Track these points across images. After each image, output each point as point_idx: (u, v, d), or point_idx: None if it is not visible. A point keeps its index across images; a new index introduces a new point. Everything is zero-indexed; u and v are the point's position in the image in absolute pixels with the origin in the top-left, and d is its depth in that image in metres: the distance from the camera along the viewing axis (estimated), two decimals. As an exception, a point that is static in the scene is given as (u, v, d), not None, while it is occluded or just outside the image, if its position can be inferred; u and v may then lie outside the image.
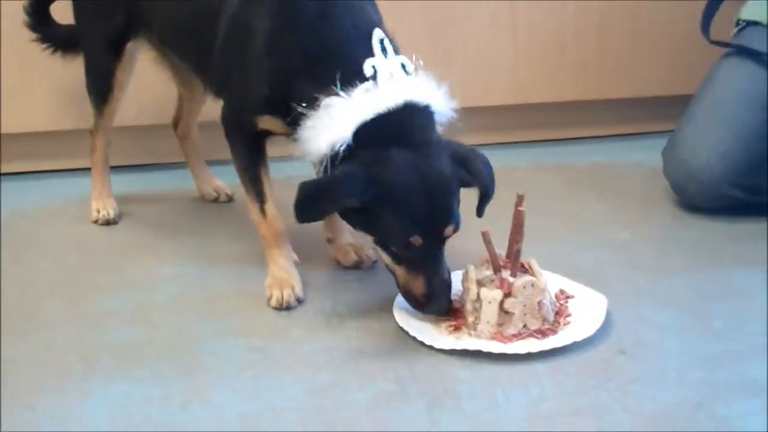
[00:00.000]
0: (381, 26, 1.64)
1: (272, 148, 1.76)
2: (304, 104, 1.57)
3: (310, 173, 1.74)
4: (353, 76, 1.56)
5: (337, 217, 1.75)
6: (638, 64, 2.76)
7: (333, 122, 1.54)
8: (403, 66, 1.61)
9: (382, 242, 1.60)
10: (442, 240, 1.58)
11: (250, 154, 1.74)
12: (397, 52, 1.63)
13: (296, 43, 1.61)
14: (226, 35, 1.71)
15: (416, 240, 1.54)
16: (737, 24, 2.30)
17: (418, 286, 1.57)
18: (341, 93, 1.55)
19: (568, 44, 2.72)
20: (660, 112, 2.76)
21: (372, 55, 1.58)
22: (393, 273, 1.62)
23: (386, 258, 1.61)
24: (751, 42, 2.21)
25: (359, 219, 1.59)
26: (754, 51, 2.18)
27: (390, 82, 1.57)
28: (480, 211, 1.63)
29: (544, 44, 2.70)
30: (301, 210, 1.54)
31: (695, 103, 2.22)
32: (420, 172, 1.53)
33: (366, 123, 1.54)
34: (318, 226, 1.83)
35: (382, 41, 1.60)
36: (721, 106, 2.16)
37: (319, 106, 1.56)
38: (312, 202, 1.55)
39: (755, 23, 2.25)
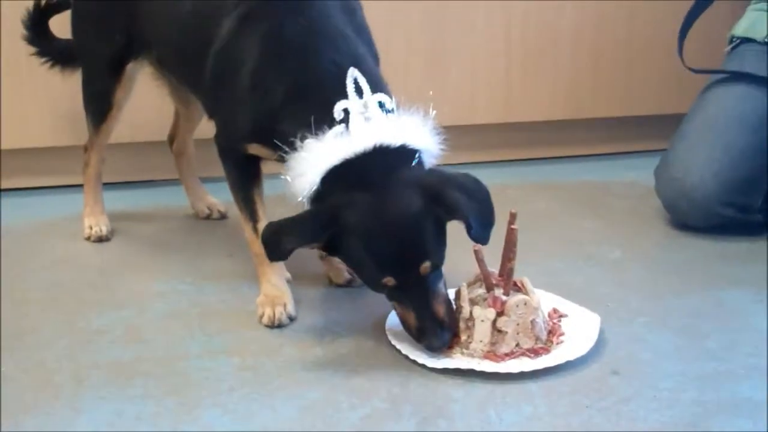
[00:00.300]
0: (365, 58, 1.63)
1: (267, 165, 1.76)
2: (284, 145, 1.58)
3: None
4: (325, 119, 1.56)
5: None
6: (631, 83, 2.78)
7: (305, 167, 1.55)
8: (381, 104, 1.59)
9: (361, 278, 1.61)
10: (424, 277, 1.54)
11: (243, 175, 1.74)
12: (377, 88, 1.60)
13: (277, 81, 1.61)
14: (214, 66, 1.72)
15: (389, 281, 1.53)
16: (731, 41, 2.32)
17: (411, 319, 1.56)
18: (314, 136, 1.55)
19: (562, 63, 2.73)
20: (652, 131, 2.78)
21: (345, 96, 1.57)
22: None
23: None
24: (743, 60, 2.22)
25: (338, 255, 1.61)
26: (741, 74, 2.18)
27: (361, 125, 1.56)
28: (476, 240, 1.55)
29: (537, 63, 2.71)
30: (267, 250, 1.56)
31: (687, 122, 2.23)
32: (383, 214, 1.52)
33: (334, 168, 1.54)
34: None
35: (356, 80, 1.58)
36: (714, 126, 2.17)
37: (296, 148, 1.57)
38: (273, 243, 1.55)
39: (749, 40, 2.26)
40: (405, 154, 1.58)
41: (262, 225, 1.73)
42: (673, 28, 2.48)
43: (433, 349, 1.55)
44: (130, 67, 2.04)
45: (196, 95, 1.93)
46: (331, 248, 1.58)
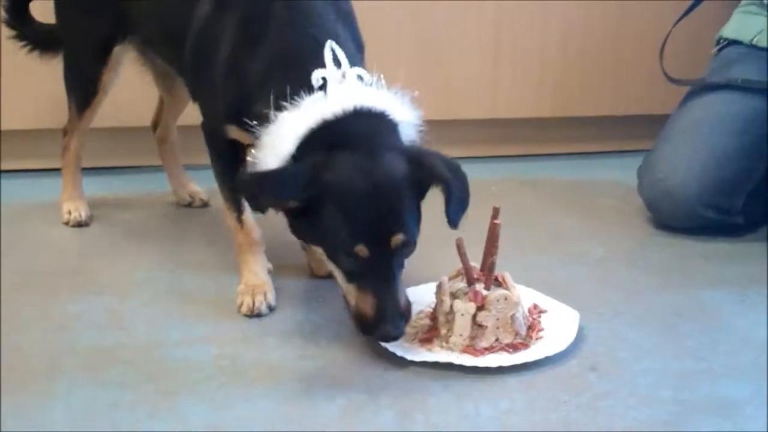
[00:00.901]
0: (344, 40, 1.60)
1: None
2: (256, 121, 1.54)
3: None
4: (302, 88, 1.52)
5: None
6: (617, 82, 2.79)
7: (280, 137, 1.51)
8: (360, 77, 1.56)
9: (330, 253, 1.52)
10: (393, 253, 1.48)
11: (228, 163, 1.72)
12: (355, 63, 1.57)
13: (252, 59, 1.59)
14: (193, 47, 1.71)
15: (362, 250, 1.46)
16: (718, 42, 2.32)
17: (367, 306, 1.48)
18: (289, 107, 1.51)
19: (549, 61, 2.74)
20: (637, 130, 2.79)
21: (323, 66, 1.54)
22: (345, 298, 1.54)
23: (340, 278, 1.53)
24: (729, 62, 2.23)
25: (306, 227, 1.53)
26: (718, 85, 2.18)
27: (339, 90, 1.52)
28: (451, 217, 1.50)
29: (525, 60, 2.72)
30: (247, 200, 1.53)
31: (672, 123, 2.24)
32: (366, 175, 1.46)
33: (313, 130, 1.50)
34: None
35: (334, 52, 1.55)
36: (697, 128, 2.18)
37: (270, 122, 1.53)
38: (253, 196, 1.51)
39: (737, 42, 2.27)
40: (386, 121, 1.54)
41: (246, 215, 1.72)
42: (661, 28, 2.49)
43: (390, 339, 1.49)
44: (117, 50, 2.02)
45: (181, 78, 1.92)
46: (305, 212, 1.49)
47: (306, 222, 1.51)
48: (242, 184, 1.55)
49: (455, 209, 1.50)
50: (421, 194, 1.53)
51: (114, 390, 1.43)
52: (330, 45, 1.55)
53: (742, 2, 2.33)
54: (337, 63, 1.55)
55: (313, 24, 1.58)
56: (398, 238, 1.47)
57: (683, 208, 2.13)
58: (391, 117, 1.55)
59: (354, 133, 1.50)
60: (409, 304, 1.53)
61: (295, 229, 1.56)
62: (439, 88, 2.66)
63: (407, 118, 1.58)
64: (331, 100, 1.51)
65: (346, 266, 1.50)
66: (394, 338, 1.50)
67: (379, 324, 1.48)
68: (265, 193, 1.50)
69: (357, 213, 1.46)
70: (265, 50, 1.59)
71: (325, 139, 1.49)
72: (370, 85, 1.57)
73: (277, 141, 1.51)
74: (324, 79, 1.53)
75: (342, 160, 1.47)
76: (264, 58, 1.58)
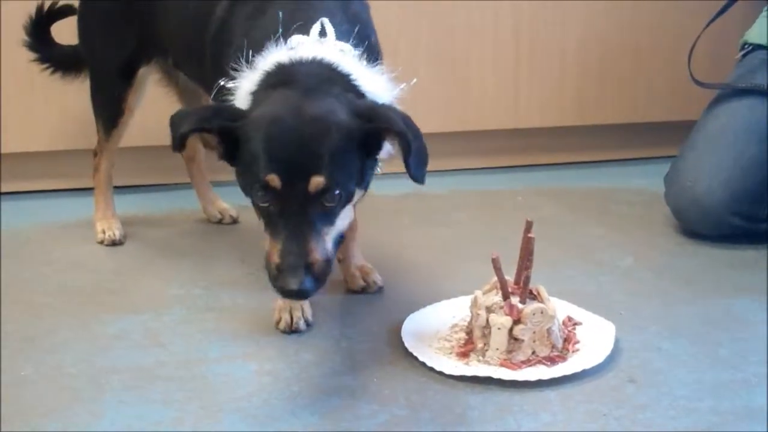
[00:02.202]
0: (345, 29, 1.57)
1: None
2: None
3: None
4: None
5: (347, 239, 1.76)
6: (638, 89, 2.80)
7: (247, 80, 1.51)
8: (342, 51, 1.52)
9: (247, 189, 1.44)
10: (310, 197, 1.37)
11: None
12: (343, 39, 1.54)
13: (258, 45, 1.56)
14: (211, 54, 1.73)
15: (273, 179, 1.36)
16: (743, 47, 2.33)
17: (274, 253, 1.37)
18: (260, 58, 1.51)
19: (570, 69, 2.75)
20: (660, 137, 2.79)
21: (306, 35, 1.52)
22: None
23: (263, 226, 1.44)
24: (754, 68, 2.24)
25: (237, 168, 1.47)
26: (744, 90, 2.19)
27: (307, 45, 1.49)
28: (412, 170, 1.41)
29: (546, 69, 2.73)
30: (171, 127, 1.48)
31: (698, 130, 2.25)
32: (293, 110, 1.40)
33: (268, 73, 1.49)
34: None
35: (323, 26, 1.53)
36: (723, 134, 2.19)
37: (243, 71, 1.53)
38: (173, 127, 1.48)
39: (761, 47, 2.28)
40: (341, 75, 1.49)
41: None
42: (681, 35, 2.51)
43: (288, 294, 1.38)
44: (142, 71, 2.05)
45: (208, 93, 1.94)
46: (232, 144, 1.45)
47: (237, 163, 1.46)
48: (170, 120, 1.52)
49: (416, 162, 1.41)
50: (371, 150, 1.46)
51: (158, 407, 1.46)
52: (321, 21, 1.54)
53: (766, 6, 2.34)
54: (322, 35, 1.53)
55: (314, 17, 1.56)
56: (317, 180, 1.37)
57: (710, 216, 2.14)
58: (352, 77, 1.50)
59: (301, 76, 1.46)
60: (327, 262, 1.39)
61: (236, 175, 1.50)
62: (459, 99, 2.68)
63: (376, 91, 1.53)
64: (294, 51, 1.50)
65: (261, 203, 1.41)
66: (295, 294, 1.38)
67: (279, 274, 1.36)
68: (183, 125, 1.46)
69: (275, 143, 1.39)
70: (264, 33, 1.57)
71: (275, 80, 1.48)
72: (351, 56, 1.53)
73: (243, 83, 1.52)
74: (300, 43, 1.52)
75: (275, 94, 1.45)
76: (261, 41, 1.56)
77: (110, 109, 2.10)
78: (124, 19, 2.02)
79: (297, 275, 1.35)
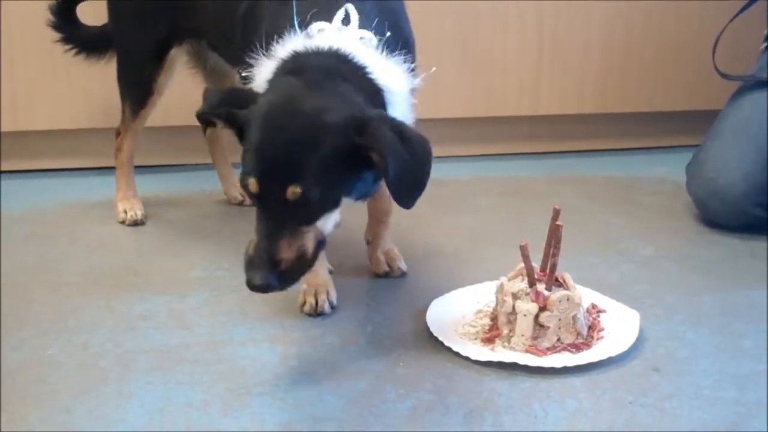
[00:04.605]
0: (373, 24, 1.53)
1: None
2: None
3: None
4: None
5: (377, 222, 1.76)
6: (659, 78, 2.80)
7: (265, 67, 1.51)
8: (362, 39, 1.50)
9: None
10: (287, 203, 1.36)
11: None
12: (366, 27, 1.51)
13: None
14: (241, 33, 1.73)
15: (252, 184, 1.37)
16: (766, 39, 2.33)
17: (251, 246, 1.40)
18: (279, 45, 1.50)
19: (591, 58, 2.75)
20: (681, 126, 2.79)
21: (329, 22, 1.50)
22: None
23: None
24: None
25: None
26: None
27: (326, 35, 1.47)
28: (394, 196, 1.38)
29: (569, 57, 2.73)
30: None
31: (721, 120, 2.25)
32: (290, 108, 1.38)
33: (284, 60, 1.48)
34: (354, 233, 1.83)
35: (347, 13, 1.50)
36: (747, 126, 2.18)
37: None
38: (203, 101, 1.51)
39: None
40: (362, 75, 1.45)
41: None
42: (703, 24, 2.50)
43: (252, 287, 1.38)
44: (173, 53, 2.06)
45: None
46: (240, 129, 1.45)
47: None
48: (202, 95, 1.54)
49: (398, 189, 1.37)
50: (358, 159, 1.39)
51: (186, 389, 1.46)
52: (346, 8, 1.52)
53: (790, -1, 2.34)
54: (346, 22, 1.51)
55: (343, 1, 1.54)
56: (293, 190, 1.35)
57: (732, 206, 2.14)
58: (367, 70, 1.46)
59: (310, 68, 1.44)
60: (300, 260, 1.40)
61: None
62: (482, 86, 2.67)
63: (392, 84, 1.49)
64: (312, 40, 1.49)
65: (249, 195, 1.42)
66: (258, 288, 1.38)
67: (247, 269, 1.39)
68: (210, 102, 1.50)
69: (261, 143, 1.37)
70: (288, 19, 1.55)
71: (288, 69, 1.46)
72: (370, 46, 1.50)
73: (262, 71, 1.51)
74: (321, 30, 1.50)
75: (276, 87, 1.44)
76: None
77: (139, 90, 2.11)
78: (158, 2, 2.02)
79: (261, 271, 1.37)
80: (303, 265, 1.42)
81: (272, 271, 1.37)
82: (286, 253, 1.39)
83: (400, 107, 1.52)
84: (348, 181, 1.42)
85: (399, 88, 1.51)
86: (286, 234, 1.38)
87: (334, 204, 1.42)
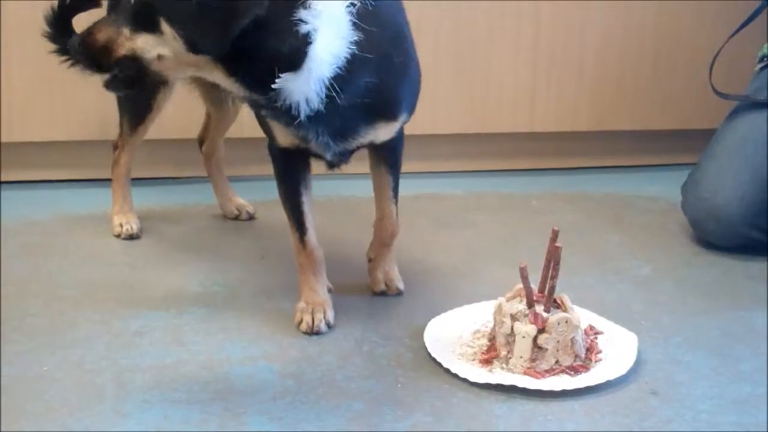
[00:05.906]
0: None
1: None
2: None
3: (351, 192, 1.74)
4: None
5: (381, 243, 1.78)
6: (655, 97, 2.80)
7: None
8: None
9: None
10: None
11: (292, 183, 1.73)
12: None
13: None
14: None
15: None
16: (761, 60, 2.34)
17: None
18: None
19: (587, 75, 2.75)
20: (676, 145, 2.80)
21: None
22: None
23: None
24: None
25: None
26: (764, 102, 2.19)
27: None
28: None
29: (564, 74, 2.73)
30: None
31: (717, 141, 2.25)
32: None
33: None
34: (354, 251, 1.82)
35: None
36: (742, 147, 2.19)
37: None
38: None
39: None
40: None
41: (309, 236, 1.73)
42: (698, 43, 2.51)
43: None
44: None
45: None
46: None
47: None
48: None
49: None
50: None
51: (183, 408, 1.45)
52: None
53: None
54: None
55: None
56: None
57: (728, 228, 2.14)
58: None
59: None
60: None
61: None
62: (477, 102, 2.68)
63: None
64: None
65: None
66: None
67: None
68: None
69: None
70: None
71: None
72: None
73: None
74: None
75: None
76: None
77: (139, 105, 2.10)
78: None
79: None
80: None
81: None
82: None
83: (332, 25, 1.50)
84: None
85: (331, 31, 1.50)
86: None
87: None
